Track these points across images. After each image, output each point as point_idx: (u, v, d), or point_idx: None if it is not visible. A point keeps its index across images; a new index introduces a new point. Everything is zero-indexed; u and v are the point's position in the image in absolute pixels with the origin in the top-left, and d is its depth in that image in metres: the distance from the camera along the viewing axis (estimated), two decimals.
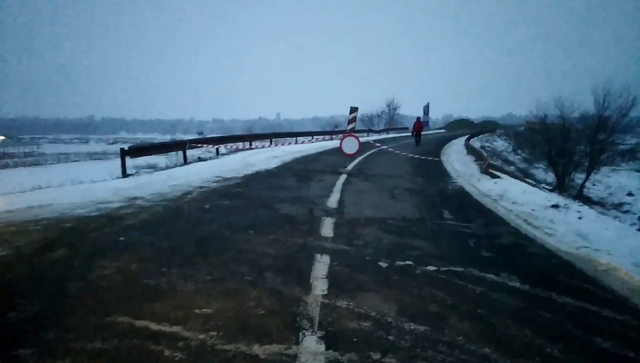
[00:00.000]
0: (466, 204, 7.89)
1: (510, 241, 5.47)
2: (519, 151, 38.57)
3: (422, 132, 25.77)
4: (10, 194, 8.35)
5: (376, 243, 5.11)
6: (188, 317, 3.10)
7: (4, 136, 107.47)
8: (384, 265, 4.34)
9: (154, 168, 13.00)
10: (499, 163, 21.17)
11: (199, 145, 15.38)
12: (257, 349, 2.70)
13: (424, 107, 55.00)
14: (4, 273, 3.96)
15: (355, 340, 2.86)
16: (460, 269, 4.28)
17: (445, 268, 4.28)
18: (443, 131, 65.60)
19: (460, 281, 3.96)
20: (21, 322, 3.01)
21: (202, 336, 2.84)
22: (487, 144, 34.54)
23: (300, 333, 2.92)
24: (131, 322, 3.02)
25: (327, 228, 5.72)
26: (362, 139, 13.62)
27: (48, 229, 5.44)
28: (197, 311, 3.21)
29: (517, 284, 3.95)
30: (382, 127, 54.60)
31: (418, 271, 4.18)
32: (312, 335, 2.90)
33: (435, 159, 16.67)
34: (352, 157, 13.11)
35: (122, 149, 10.73)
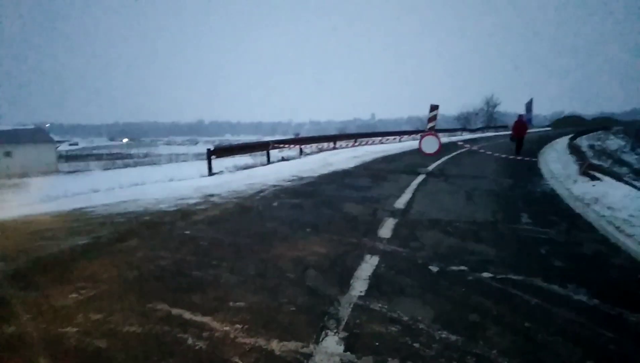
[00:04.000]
0: (552, 208, 7.19)
1: (592, 250, 4.87)
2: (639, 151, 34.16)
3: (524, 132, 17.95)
4: (113, 190, 9.38)
5: (434, 246, 4.87)
6: (220, 309, 3.22)
7: (128, 138, 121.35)
8: (434, 269, 4.12)
9: (243, 168, 13.73)
10: (609, 163, 18.97)
11: (283, 146, 15.92)
12: (274, 345, 2.72)
13: (527, 103, 51.03)
14: (77, 259, 4.44)
15: (377, 344, 2.76)
16: (520, 278, 3.91)
17: (502, 276, 3.94)
18: (549, 129, 60.53)
19: (515, 291, 3.62)
20: (77, 303, 3.35)
21: (227, 328, 2.93)
22: (597, 143, 31.15)
23: (323, 333, 2.88)
24: (168, 309, 3.21)
25: (387, 228, 5.58)
26: (453, 139, 13.05)
27: (129, 221, 6.01)
28: (231, 303, 3.32)
29: (584, 298, 3.50)
30: (479, 126, 51.89)
31: (470, 278, 3.91)
32: (334, 335, 2.85)
33: (531, 159, 15.41)
34: (436, 157, 12.66)
35: (208, 150, 11.48)
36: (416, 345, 2.75)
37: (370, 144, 21.78)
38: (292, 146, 17.04)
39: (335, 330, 2.91)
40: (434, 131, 12.18)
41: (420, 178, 10.36)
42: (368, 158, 15.53)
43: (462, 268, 4.14)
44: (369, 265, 4.20)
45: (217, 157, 11.80)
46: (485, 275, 3.98)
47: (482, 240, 5.11)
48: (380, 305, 3.31)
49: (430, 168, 12.25)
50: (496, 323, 3.05)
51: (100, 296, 3.46)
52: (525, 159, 15.17)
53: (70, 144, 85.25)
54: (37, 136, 44.16)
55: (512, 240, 5.20)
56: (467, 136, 38.15)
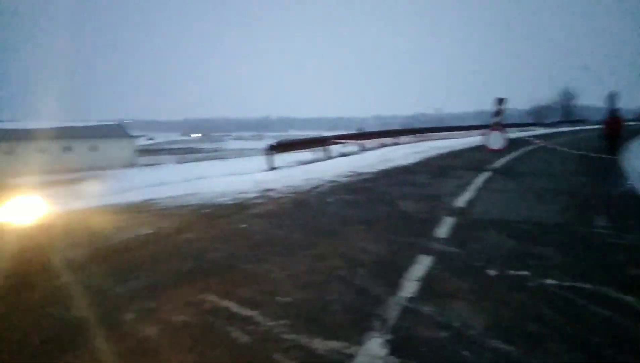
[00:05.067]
0: (633, 211, 6.56)
1: None
2: None
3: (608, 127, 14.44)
4: (179, 183, 9.85)
5: (494, 248, 4.61)
6: (268, 303, 3.25)
7: (199, 133, 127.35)
8: (492, 273, 3.89)
9: (302, 163, 13.88)
10: None
11: (342, 141, 15.88)
12: (316, 343, 2.69)
13: (610, 95, 46.68)
14: (140, 248, 4.69)
15: (423, 349, 2.64)
16: (590, 287, 3.58)
17: (569, 284, 3.63)
18: (636, 123, 55.30)
19: (583, 301, 3.32)
20: (134, 291, 3.53)
21: (271, 323, 2.95)
22: None
23: (367, 334, 2.81)
24: (217, 301, 3.29)
25: (444, 228, 5.36)
26: (524, 134, 12.34)
27: (190, 214, 6.26)
28: (278, 298, 3.34)
29: None
30: (553, 121, 48.67)
31: (531, 284, 3.64)
32: (378, 337, 2.77)
33: (611, 156, 14.19)
34: (502, 154, 12.03)
35: (269, 145, 11.71)
36: (466, 353, 2.60)
37: (434, 139, 21.14)
38: (352, 141, 16.96)
39: (380, 332, 2.83)
40: (501, 125, 11.56)
41: (485, 175, 9.89)
42: (430, 153, 15.09)
43: (524, 273, 3.88)
44: (422, 265, 4.05)
45: (278, 152, 12.02)
46: (550, 281, 3.69)
47: (548, 244, 4.76)
48: (430, 308, 3.18)
49: (496, 165, 11.65)
50: (558, 336, 2.81)
51: (156, 285, 3.62)
52: (604, 156, 13.99)
53: (148, 139, 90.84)
54: (119, 131, 47.50)
55: (584, 244, 4.79)
56: (540, 131, 35.96)
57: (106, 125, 47.97)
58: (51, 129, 41.86)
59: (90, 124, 46.63)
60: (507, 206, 6.64)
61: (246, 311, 3.12)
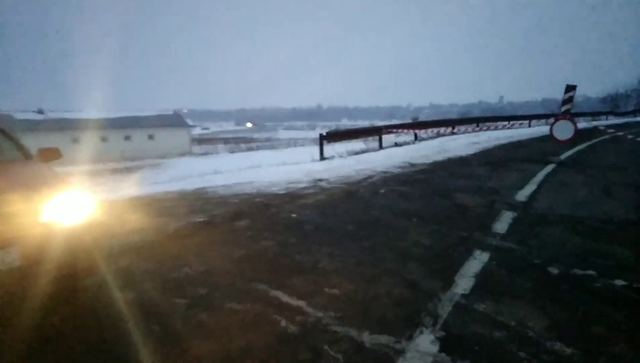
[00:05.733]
0: None
1: None
2: None
3: None
4: (232, 172, 10.06)
5: (557, 245, 4.33)
6: (316, 294, 3.22)
7: (252, 123, 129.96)
8: (554, 271, 3.65)
9: (354, 153, 13.77)
10: None
11: (396, 130, 15.57)
12: (365, 336, 2.62)
13: None
14: (193, 235, 4.81)
15: (476, 348, 2.51)
16: None
17: None
18: None
19: None
20: (189, 276, 3.61)
21: (320, 314, 2.91)
22: None
23: (418, 330, 2.71)
24: (267, 290, 3.30)
25: (503, 223, 5.11)
26: (596, 123, 11.55)
27: (243, 202, 6.36)
28: (326, 290, 3.30)
29: None
30: (631, 109, 45.17)
31: (598, 284, 3.38)
32: (430, 333, 2.66)
33: None
34: (570, 145, 11.32)
35: (320, 135, 11.68)
36: (522, 354, 2.44)
37: (494, 129, 20.25)
38: (406, 131, 16.59)
39: (431, 329, 2.72)
40: (569, 114, 10.85)
41: (550, 167, 9.35)
42: (490, 144, 14.48)
43: (589, 272, 3.61)
44: (477, 261, 3.87)
45: (329, 142, 11.96)
46: (618, 282, 3.41)
47: (618, 242, 4.40)
48: (485, 306, 3.02)
49: (563, 156, 10.99)
50: (625, 340, 2.58)
51: (208, 272, 3.69)
52: None
53: (203, 129, 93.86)
54: (176, 121, 49.34)
55: None
56: (614, 120, 33.59)
57: (164, 115, 49.89)
58: (113, 118, 44.17)
59: (149, 113, 48.63)
60: (573, 201, 6.23)
61: (295, 301, 3.10)
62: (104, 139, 42.27)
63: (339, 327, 2.74)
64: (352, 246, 4.31)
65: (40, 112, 41.84)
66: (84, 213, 3.04)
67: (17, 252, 2.63)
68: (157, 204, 6.50)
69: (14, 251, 2.62)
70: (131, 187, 8.57)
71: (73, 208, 2.97)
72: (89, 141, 40.87)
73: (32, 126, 38.62)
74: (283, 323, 2.80)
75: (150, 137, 45.32)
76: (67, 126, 40.74)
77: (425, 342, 2.58)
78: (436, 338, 2.61)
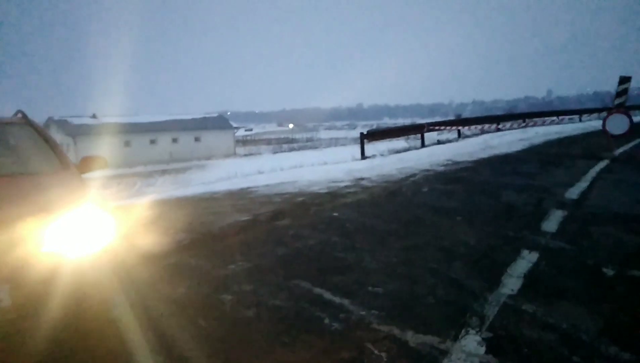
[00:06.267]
0: None
1: None
2: None
3: None
4: (275, 172, 10.22)
5: (612, 245, 4.13)
6: (359, 293, 3.22)
7: (293, 124, 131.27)
8: (608, 272, 3.48)
9: (396, 151, 13.64)
10: None
11: (439, 128, 15.28)
12: (409, 336, 2.60)
13: None
14: (238, 234, 4.93)
15: (525, 350, 2.43)
16: None
17: None
18: None
19: None
20: (234, 273, 3.71)
21: (363, 312, 2.92)
22: None
23: (463, 330, 2.66)
24: (310, 288, 3.34)
25: (552, 222, 4.92)
26: None
27: (285, 201, 6.46)
28: (369, 288, 3.30)
29: None
30: None
31: None
32: (476, 334, 2.61)
33: None
34: (625, 140, 10.73)
35: (361, 134, 11.65)
36: (576, 358, 2.35)
37: (542, 124, 19.45)
38: (449, 128, 16.26)
39: (477, 329, 2.66)
40: (624, 107, 10.27)
41: (603, 164, 8.89)
42: (538, 140, 13.95)
43: None
44: (525, 261, 3.75)
45: (370, 141, 11.92)
46: None
47: None
48: (534, 307, 2.92)
49: (617, 152, 10.42)
50: None
51: (253, 270, 3.78)
52: None
53: (246, 130, 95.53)
54: (221, 123, 50.59)
55: None
56: None
57: (209, 117, 51.24)
58: (161, 122, 45.82)
59: (194, 116, 50.11)
60: (628, 199, 5.91)
61: (338, 299, 3.12)
62: (152, 142, 43.94)
63: (382, 326, 2.74)
64: (394, 245, 4.28)
65: (94, 117, 44.00)
66: (99, 238, 2.55)
67: (6, 290, 2.19)
68: (203, 204, 6.70)
69: (3, 289, 2.19)
70: (179, 188, 8.89)
71: (85, 232, 2.50)
72: (139, 144, 42.61)
73: (86, 131, 40.70)
74: (326, 320, 2.83)
75: (197, 139, 46.68)
76: (119, 130, 42.62)
77: (472, 343, 2.53)
78: (483, 339, 2.56)
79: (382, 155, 11.90)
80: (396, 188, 7.12)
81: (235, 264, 3.92)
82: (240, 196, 7.22)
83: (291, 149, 43.31)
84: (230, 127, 52.10)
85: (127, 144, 42.46)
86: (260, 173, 10.63)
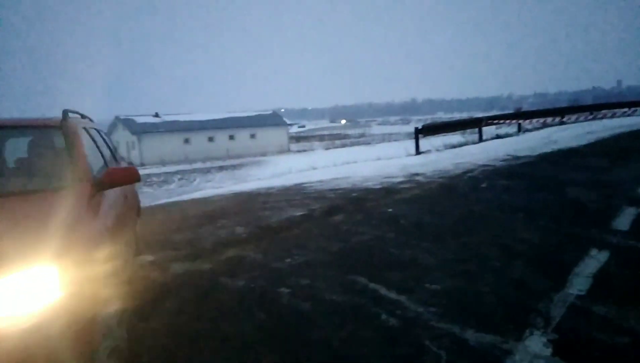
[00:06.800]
0: None
1: None
2: None
3: None
4: (328, 167, 10.28)
5: None
6: (416, 289, 3.18)
7: (346, 120, 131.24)
8: None
9: (452, 146, 13.29)
10: None
11: (497, 122, 14.68)
12: (469, 335, 2.54)
13: None
14: (294, 228, 5.02)
15: (597, 354, 2.30)
16: None
17: None
18: None
19: None
20: (290, 267, 3.78)
21: (420, 309, 2.88)
22: None
23: (528, 331, 2.55)
24: (366, 283, 3.34)
25: (625, 219, 4.60)
26: None
27: (339, 197, 6.48)
28: (427, 285, 3.25)
29: None
30: None
31: None
32: (541, 336, 2.50)
33: None
34: None
35: (415, 128, 11.45)
36: None
37: (612, 117, 18.18)
38: (508, 122, 15.58)
39: (542, 331, 2.55)
40: None
41: None
42: (606, 133, 13.07)
43: None
44: (594, 260, 3.54)
45: (425, 135, 11.68)
46: None
47: None
48: (606, 309, 2.75)
49: None
50: None
51: (309, 263, 3.84)
52: None
53: (299, 127, 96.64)
54: (274, 120, 51.47)
55: None
56: None
57: (264, 114, 52.23)
58: (219, 120, 47.30)
59: (250, 114, 51.27)
60: None
61: (394, 295, 3.10)
62: (210, 139, 45.48)
63: (441, 323, 2.69)
64: (452, 242, 4.18)
65: (157, 115, 46.10)
66: (59, 296, 1.78)
67: None
68: (259, 199, 6.87)
69: None
70: (236, 183, 9.16)
71: (43, 290, 1.78)
72: (198, 142, 44.26)
73: (149, 129, 42.80)
74: (383, 316, 2.82)
75: (252, 136, 47.78)
76: (179, 128, 44.50)
77: (537, 344, 2.42)
78: (549, 341, 2.45)
79: (437, 150, 11.62)
80: (453, 183, 6.94)
81: (292, 258, 3.99)
82: (295, 192, 7.33)
83: (343, 145, 43.40)
84: (284, 124, 52.87)
85: (186, 141, 44.21)
86: (313, 168, 10.74)
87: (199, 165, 32.61)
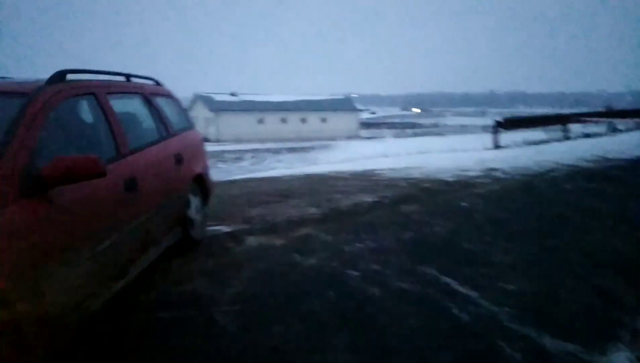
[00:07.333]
0: None
1: None
2: None
3: None
4: (400, 155, 10.15)
5: None
6: (490, 287, 3.09)
7: (418, 108, 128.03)
8: None
9: (533, 143, 12.56)
10: None
11: (587, 120, 13.62)
12: (547, 340, 2.43)
13: None
14: (364, 214, 5.03)
15: None
16: None
17: None
18: None
19: None
20: (361, 251, 3.80)
21: (495, 308, 2.79)
22: None
23: (611, 343, 2.40)
24: (437, 275, 3.29)
25: None
26: None
27: (411, 186, 6.39)
28: (501, 284, 3.14)
29: None
30: None
31: None
32: (628, 351, 2.34)
33: None
34: None
35: (495, 121, 10.94)
36: None
37: None
38: (599, 120, 14.41)
39: (630, 345, 2.39)
40: None
41: None
42: None
43: None
44: None
45: (505, 130, 11.12)
46: None
47: None
48: None
49: None
50: None
51: (378, 250, 3.84)
52: None
53: (370, 113, 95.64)
54: (345, 105, 51.38)
55: None
56: None
57: (336, 99, 52.30)
58: (292, 102, 48.07)
59: (322, 98, 51.54)
60: None
61: (467, 291, 3.03)
62: (283, 121, 46.43)
63: (516, 325, 2.59)
64: (530, 243, 4.00)
65: (233, 94, 47.71)
66: None
67: None
68: (330, 182, 6.95)
69: None
70: (308, 165, 9.32)
71: None
72: (271, 122, 45.40)
73: (226, 107, 44.48)
74: (455, 310, 2.77)
75: (323, 120, 48.13)
76: (254, 108, 45.84)
77: (622, 359, 2.28)
78: (637, 358, 2.29)
79: (517, 146, 11.05)
80: (534, 182, 6.57)
81: (362, 242, 4.01)
82: (365, 178, 7.32)
83: (415, 135, 42.48)
84: (355, 109, 52.66)
85: (260, 121, 45.50)
86: (384, 156, 10.65)
87: (270, 145, 33.46)
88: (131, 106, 3.29)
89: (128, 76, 3.33)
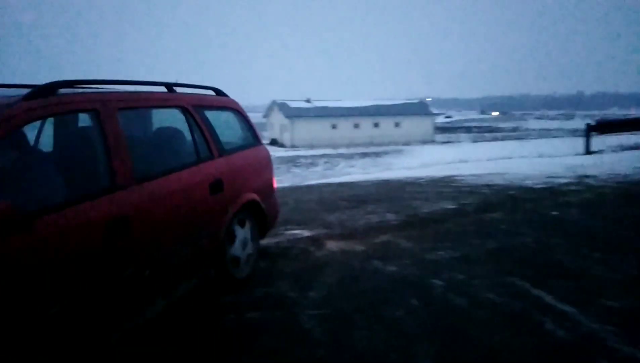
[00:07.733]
0: None
1: None
2: None
3: None
4: (480, 161, 9.77)
5: None
6: (589, 303, 2.85)
7: (498, 112, 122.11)
8: None
9: (632, 147, 11.50)
10: None
11: None
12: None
13: None
14: (446, 221, 4.88)
15: None
16: None
17: None
18: None
19: None
20: (444, 260, 3.71)
21: (595, 326, 2.56)
22: None
23: None
24: (528, 288, 3.11)
25: None
26: None
27: (494, 193, 6.13)
28: (602, 300, 2.90)
29: None
30: None
31: None
32: None
33: None
34: None
35: (587, 125, 10.15)
36: None
37: None
38: None
39: None
40: None
41: None
42: None
43: None
44: None
45: (598, 134, 10.28)
46: None
47: None
48: None
49: None
50: None
51: (462, 259, 3.72)
52: None
53: (446, 117, 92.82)
54: (420, 109, 50.32)
55: None
56: None
57: (410, 103, 51.38)
58: (365, 107, 47.99)
59: (396, 102, 50.91)
60: None
61: (562, 306, 2.84)
62: (356, 126, 46.50)
63: (622, 345, 2.38)
64: (633, 257, 3.66)
65: (308, 101, 48.65)
66: None
67: None
68: (408, 188, 6.85)
69: None
70: (382, 171, 9.26)
71: None
72: (344, 128, 45.65)
73: (301, 113, 45.44)
74: (549, 326, 2.61)
75: (397, 125, 47.53)
76: (328, 113, 46.37)
77: None
78: None
79: (613, 151, 10.18)
80: (632, 190, 6.03)
81: (444, 251, 3.91)
82: (444, 184, 7.13)
83: (494, 139, 40.61)
84: (430, 113, 51.40)
85: (333, 126, 45.90)
86: (463, 161, 10.29)
87: (342, 150, 33.68)
88: (160, 121, 2.90)
89: (170, 86, 2.81)
